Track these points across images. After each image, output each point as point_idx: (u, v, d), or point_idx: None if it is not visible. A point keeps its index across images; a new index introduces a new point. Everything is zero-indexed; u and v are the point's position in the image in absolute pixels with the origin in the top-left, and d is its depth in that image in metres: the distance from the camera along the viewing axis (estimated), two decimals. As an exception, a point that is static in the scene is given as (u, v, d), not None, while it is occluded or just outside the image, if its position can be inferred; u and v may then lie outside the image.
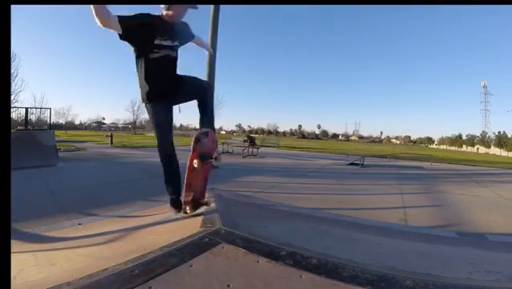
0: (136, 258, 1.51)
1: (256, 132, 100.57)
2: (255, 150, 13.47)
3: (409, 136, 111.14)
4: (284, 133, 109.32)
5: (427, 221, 3.97)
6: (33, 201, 2.61)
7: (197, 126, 2.38)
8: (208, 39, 8.34)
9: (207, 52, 7.24)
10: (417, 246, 2.55)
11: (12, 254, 1.48)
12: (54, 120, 56.68)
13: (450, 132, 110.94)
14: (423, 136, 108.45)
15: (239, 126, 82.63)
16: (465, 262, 1.96)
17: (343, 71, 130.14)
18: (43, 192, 4.64)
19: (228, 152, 13.77)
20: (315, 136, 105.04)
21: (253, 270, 1.41)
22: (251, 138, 14.66)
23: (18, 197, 3.94)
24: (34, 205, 2.68)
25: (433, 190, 6.55)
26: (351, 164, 11.39)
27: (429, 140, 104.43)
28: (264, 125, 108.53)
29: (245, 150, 13.08)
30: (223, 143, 14.91)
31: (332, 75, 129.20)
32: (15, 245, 2.09)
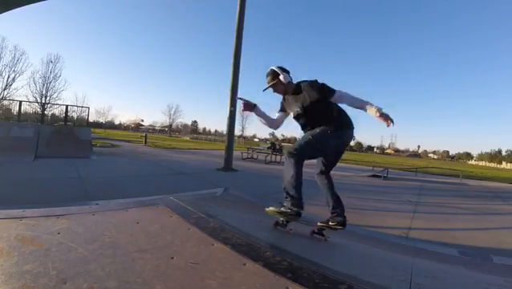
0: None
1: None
2: (279, 157, 13.85)
3: (448, 151, 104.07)
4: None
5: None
6: (62, 184, 3.83)
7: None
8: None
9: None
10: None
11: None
12: (94, 118, 65.31)
13: (491, 146, 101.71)
14: (462, 150, 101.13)
15: (272, 134, 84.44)
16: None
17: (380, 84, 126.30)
18: (73, 177, 5.73)
19: (252, 157, 14.32)
20: (349, 148, 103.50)
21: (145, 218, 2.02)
22: (274, 145, 15.12)
23: (50, 180, 5.35)
24: (61, 188, 4.07)
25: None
26: (373, 176, 11.30)
27: (468, 156, 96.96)
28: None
29: (268, 157, 13.57)
30: (248, 148, 15.61)
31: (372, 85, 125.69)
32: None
